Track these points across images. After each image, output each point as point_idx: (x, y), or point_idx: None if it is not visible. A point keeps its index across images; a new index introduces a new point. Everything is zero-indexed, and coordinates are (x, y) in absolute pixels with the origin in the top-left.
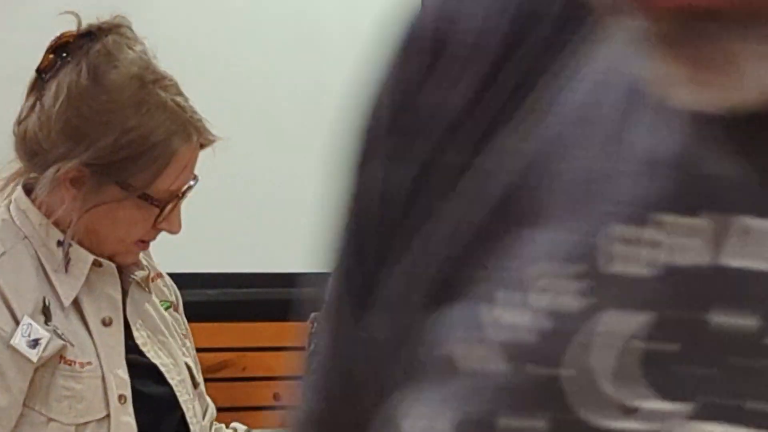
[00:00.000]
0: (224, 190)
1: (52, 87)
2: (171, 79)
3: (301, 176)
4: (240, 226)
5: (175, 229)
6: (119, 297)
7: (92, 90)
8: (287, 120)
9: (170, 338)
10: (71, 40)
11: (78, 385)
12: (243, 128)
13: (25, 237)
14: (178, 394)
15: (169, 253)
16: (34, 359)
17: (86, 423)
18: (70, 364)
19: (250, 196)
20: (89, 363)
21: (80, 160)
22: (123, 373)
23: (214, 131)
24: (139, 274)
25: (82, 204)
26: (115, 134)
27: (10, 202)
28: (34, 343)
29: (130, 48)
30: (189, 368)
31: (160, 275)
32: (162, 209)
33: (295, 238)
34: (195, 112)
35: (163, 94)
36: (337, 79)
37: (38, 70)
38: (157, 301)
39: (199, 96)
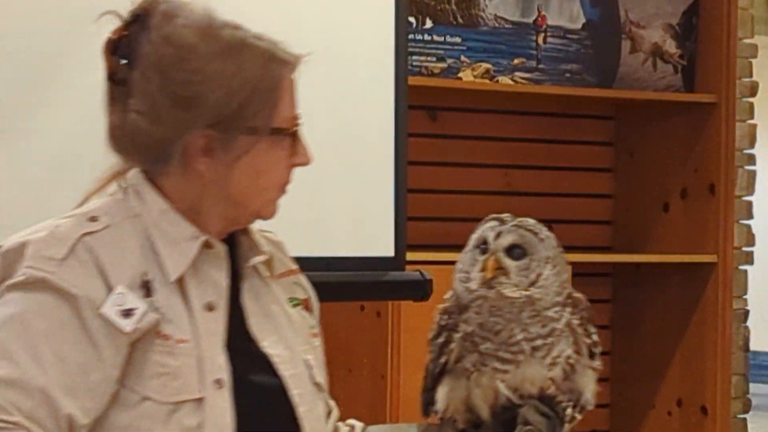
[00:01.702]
0: None
1: (136, 77)
2: (233, 21)
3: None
4: None
5: (307, 160)
6: (225, 283)
7: (178, 54)
8: None
9: (291, 332)
10: (123, 32)
11: (174, 361)
12: None
13: (137, 215)
14: (289, 386)
15: None
16: (127, 329)
17: (181, 402)
18: (166, 339)
19: None
20: (186, 341)
21: (199, 125)
22: (221, 358)
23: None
24: (256, 260)
25: (222, 166)
26: (220, 86)
27: (127, 185)
28: (128, 313)
29: (182, 8)
30: (308, 365)
31: (292, 272)
32: (294, 141)
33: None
34: (272, 39)
35: (237, 32)
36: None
37: (109, 78)
38: (283, 296)
39: None
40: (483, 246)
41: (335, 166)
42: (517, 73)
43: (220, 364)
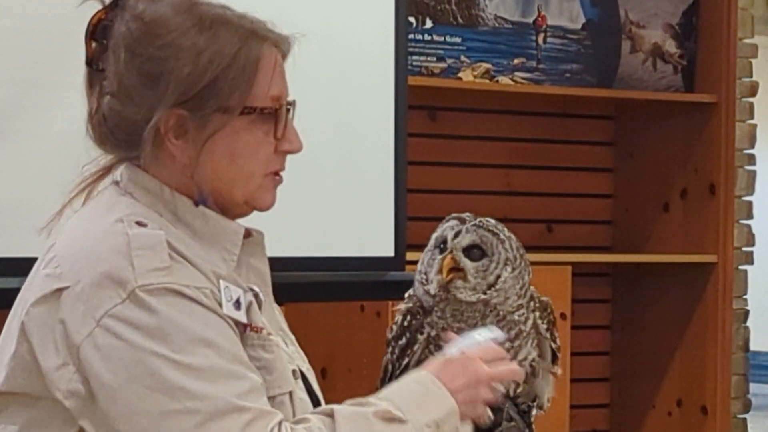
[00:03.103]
0: None
1: (108, 58)
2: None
3: None
4: None
5: (296, 147)
6: (267, 269)
7: (147, 30)
8: None
9: (286, 327)
10: (102, 17)
11: (268, 354)
12: None
13: (157, 212)
14: (311, 381)
15: None
16: (245, 320)
17: (275, 396)
18: (258, 332)
19: None
20: (271, 333)
21: (169, 103)
22: (290, 349)
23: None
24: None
25: (193, 148)
26: (190, 60)
27: (117, 188)
28: (238, 305)
29: None
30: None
31: None
32: (275, 122)
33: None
34: (256, 18)
35: (216, 9)
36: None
37: (88, 62)
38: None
39: None
40: (442, 246)
41: (335, 165)
42: (517, 73)
43: (290, 355)
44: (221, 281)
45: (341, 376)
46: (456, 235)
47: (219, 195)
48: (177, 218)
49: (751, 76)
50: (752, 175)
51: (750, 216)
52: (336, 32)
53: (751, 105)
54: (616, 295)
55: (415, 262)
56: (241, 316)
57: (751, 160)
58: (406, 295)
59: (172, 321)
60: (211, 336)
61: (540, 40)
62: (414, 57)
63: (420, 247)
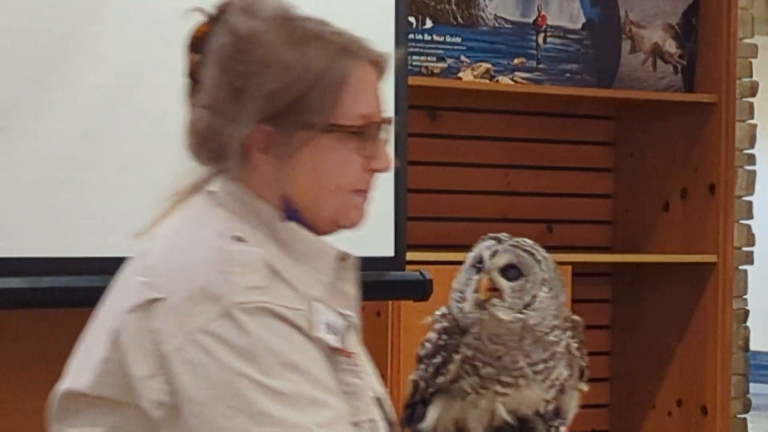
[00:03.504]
0: None
1: (205, 71)
2: (316, 17)
3: None
4: None
5: (383, 166)
6: (357, 294)
7: (238, 45)
8: None
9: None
10: (205, 30)
11: (356, 380)
12: None
13: (254, 227)
14: (386, 405)
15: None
16: (338, 344)
17: (358, 423)
18: (348, 356)
19: None
20: (359, 357)
21: (255, 118)
22: (374, 377)
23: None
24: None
25: (279, 163)
26: (276, 77)
27: (211, 198)
28: (330, 329)
29: (258, 1)
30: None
31: None
32: (362, 140)
33: None
34: (353, 35)
35: (310, 24)
36: None
37: (189, 75)
38: None
39: None
40: (478, 265)
41: None
42: (517, 73)
43: (374, 383)
44: (315, 303)
45: None
46: (493, 255)
47: (305, 211)
48: (271, 234)
49: (751, 76)
50: (752, 175)
51: (750, 216)
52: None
53: (751, 105)
54: (616, 295)
55: (415, 262)
56: (334, 341)
57: (751, 160)
58: (438, 313)
59: (263, 342)
60: (301, 361)
61: (540, 40)
62: (414, 57)
63: (420, 247)
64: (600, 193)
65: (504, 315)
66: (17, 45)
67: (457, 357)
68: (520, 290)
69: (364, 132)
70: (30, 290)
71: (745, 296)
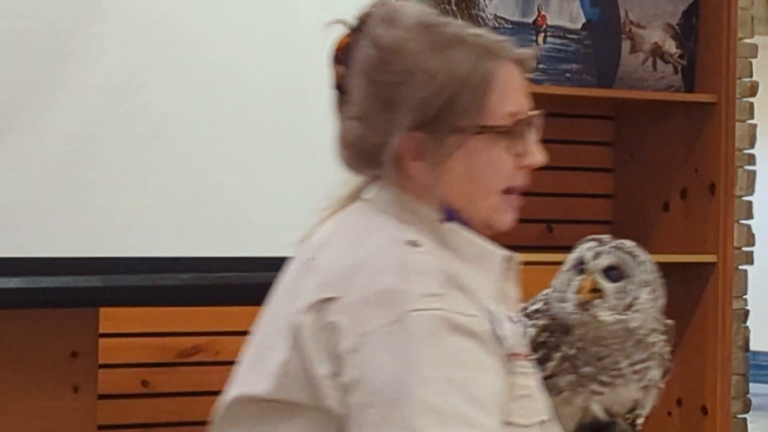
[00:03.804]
0: (199, 175)
1: (351, 83)
2: (457, 21)
3: (275, 162)
4: (214, 211)
5: (537, 160)
6: (518, 295)
7: (383, 56)
8: (270, 115)
9: None
10: (348, 41)
11: (530, 381)
12: (227, 119)
13: (419, 231)
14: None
15: (142, 237)
16: (516, 349)
17: (532, 425)
18: (524, 358)
19: (225, 181)
20: (531, 359)
21: (405, 126)
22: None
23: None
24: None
25: (432, 169)
26: (423, 84)
27: (371, 205)
28: (505, 333)
29: (398, 10)
30: None
31: None
32: (512, 138)
33: (268, 223)
34: (493, 36)
35: (451, 29)
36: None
37: (334, 87)
38: None
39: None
40: (580, 266)
41: (337, 166)
42: None
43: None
44: (494, 308)
45: None
46: (595, 257)
47: (461, 214)
48: (437, 238)
49: (751, 76)
50: (752, 175)
51: (750, 216)
52: (335, 32)
53: (751, 105)
54: None
55: None
56: (513, 346)
57: (751, 160)
58: (532, 308)
59: (430, 353)
60: (464, 376)
61: (540, 40)
62: None
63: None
64: (600, 193)
65: (606, 317)
66: (18, 45)
67: (557, 355)
68: (622, 292)
69: (514, 130)
70: (30, 290)
71: (745, 296)
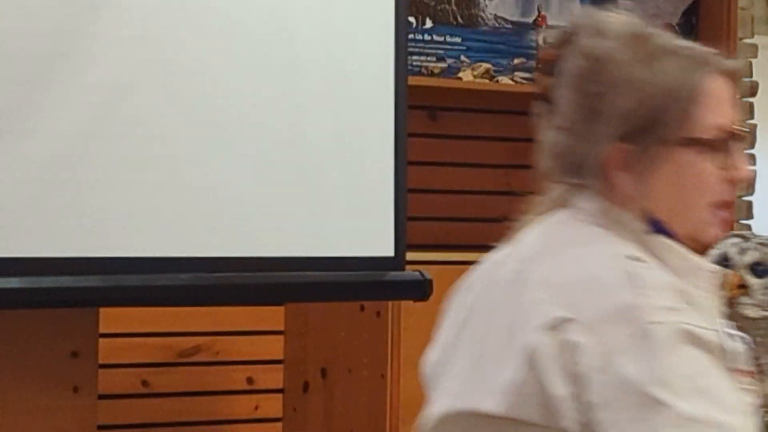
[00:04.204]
0: (199, 175)
1: (560, 93)
2: (666, 32)
3: (275, 162)
4: (213, 211)
5: (742, 175)
6: (721, 308)
7: (592, 67)
8: (270, 115)
9: None
10: (556, 53)
11: (751, 399)
12: (227, 120)
13: (632, 241)
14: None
15: (142, 237)
16: (745, 366)
17: None
18: (750, 376)
19: (225, 181)
20: (753, 375)
21: (612, 137)
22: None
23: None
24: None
25: (638, 180)
26: (631, 94)
27: (578, 216)
28: (732, 349)
29: (607, 21)
30: None
31: None
32: (719, 151)
33: (268, 223)
34: (703, 48)
35: (660, 40)
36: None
37: (540, 98)
38: None
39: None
40: (725, 263)
41: (335, 165)
42: (517, 73)
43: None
44: (719, 323)
45: (341, 376)
46: (740, 253)
47: (666, 227)
48: (647, 251)
49: (751, 76)
50: (752, 175)
51: (750, 216)
52: (336, 32)
53: (751, 105)
54: None
55: (415, 262)
56: (742, 363)
57: (751, 160)
58: None
59: (678, 365)
60: (711, 385)
61: (540, 40)
62: (414, 57)
63: (420, 247)
64: None
65: (752, 312)
66: (17, 45)
67: None
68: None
69: (721, 143)
70: (30, 290)
71: None
